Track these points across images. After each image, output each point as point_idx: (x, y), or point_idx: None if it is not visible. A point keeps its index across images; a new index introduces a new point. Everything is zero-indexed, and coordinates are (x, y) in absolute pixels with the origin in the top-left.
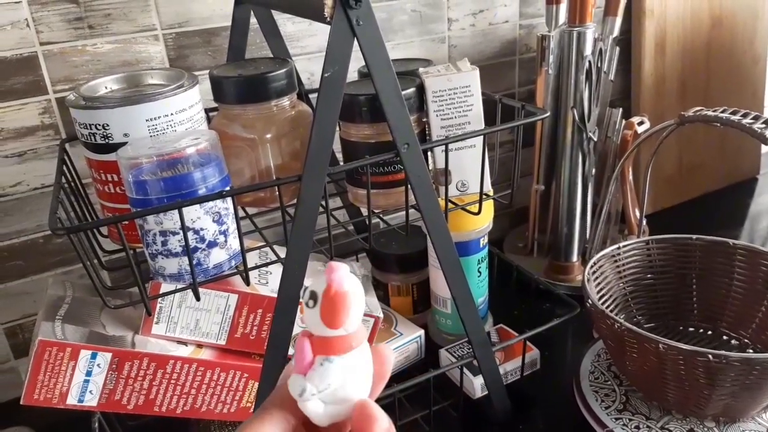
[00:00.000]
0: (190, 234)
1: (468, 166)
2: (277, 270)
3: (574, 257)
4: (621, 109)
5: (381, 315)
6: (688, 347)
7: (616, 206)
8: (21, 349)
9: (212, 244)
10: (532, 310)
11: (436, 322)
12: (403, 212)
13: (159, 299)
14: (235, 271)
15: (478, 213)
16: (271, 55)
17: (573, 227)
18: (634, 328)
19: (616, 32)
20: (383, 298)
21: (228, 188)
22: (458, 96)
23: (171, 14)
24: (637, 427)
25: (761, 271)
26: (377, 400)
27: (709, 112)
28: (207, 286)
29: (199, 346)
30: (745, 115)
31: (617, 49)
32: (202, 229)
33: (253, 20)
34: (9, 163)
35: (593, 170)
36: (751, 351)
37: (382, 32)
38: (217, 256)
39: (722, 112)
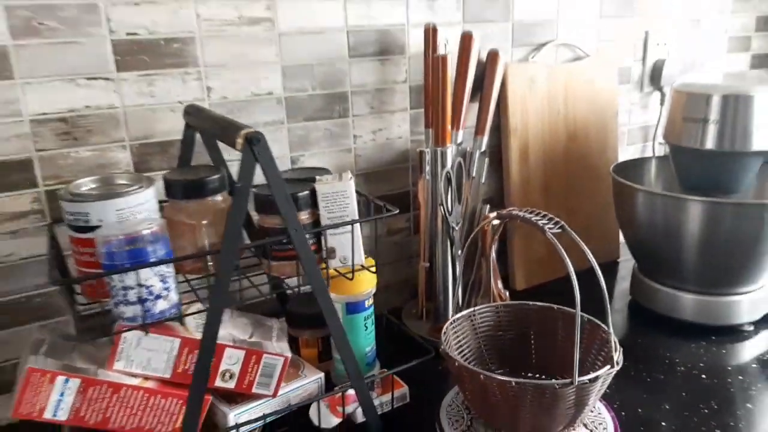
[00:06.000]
0: (143, 289)
1: (347, 246)
2: None
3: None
4: (489, 205)
5: (290, 355)
6: (500, 377)
7: (487, 282)
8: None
9: (158, 297)
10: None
11: (336, 368)
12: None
13: (120, 344)
14: (175, 317)
15: (352, 279)
16: (211, 163)
17: (447, 296)
18: (465, 364)
19: (483, 147)
20: (296, 349)
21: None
22: (339, 197)
23: (138, 130)
24: None
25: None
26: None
27: (516, 212)
28: (157, 331)
29: (146, 378)
30: (538, 215)
31: (486, 159)
32: (151, 286)
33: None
34: (4, 239)
35: (459, 252)
36: None
37: (300, 145)
38: (161, 306)
39: (527, 212)
